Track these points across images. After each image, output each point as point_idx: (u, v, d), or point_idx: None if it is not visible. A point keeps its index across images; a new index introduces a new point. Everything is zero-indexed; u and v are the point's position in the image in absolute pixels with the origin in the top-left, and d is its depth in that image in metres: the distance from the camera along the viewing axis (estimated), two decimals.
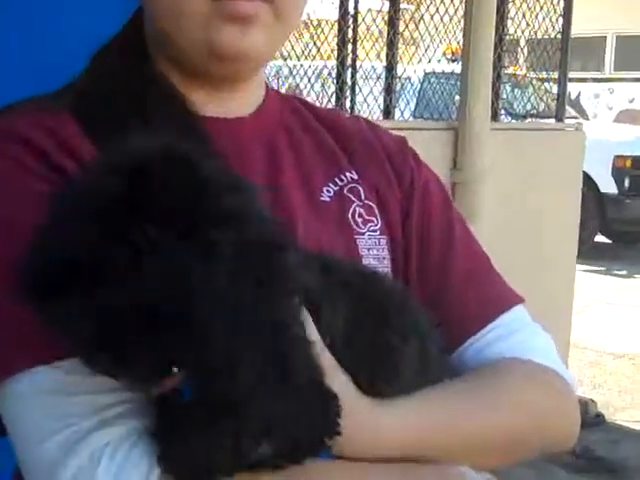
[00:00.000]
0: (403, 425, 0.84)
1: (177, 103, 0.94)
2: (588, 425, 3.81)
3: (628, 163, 8.34)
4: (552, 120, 4.62)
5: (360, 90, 5.14)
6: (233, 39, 0.90)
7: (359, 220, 1.01)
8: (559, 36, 4.58)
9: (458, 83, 5.77)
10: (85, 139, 0.87)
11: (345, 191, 1.02)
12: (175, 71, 0.96)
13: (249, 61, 0.94)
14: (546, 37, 4.70)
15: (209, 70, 0.94)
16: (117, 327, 0.64)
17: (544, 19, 4.56)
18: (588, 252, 7.22)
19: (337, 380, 0.78)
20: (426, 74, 6.25)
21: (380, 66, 5.15)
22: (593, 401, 4.21)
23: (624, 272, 7.91)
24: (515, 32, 4.58)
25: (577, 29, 4.67)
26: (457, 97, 6.00)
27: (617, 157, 8.31)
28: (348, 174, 1.04)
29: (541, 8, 4.57)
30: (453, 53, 5.90)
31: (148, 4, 0.96)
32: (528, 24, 4.51)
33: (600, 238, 8.66)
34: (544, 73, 4.90)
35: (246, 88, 1.00)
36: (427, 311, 0.92)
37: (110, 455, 0.75)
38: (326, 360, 0.78)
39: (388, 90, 5.07)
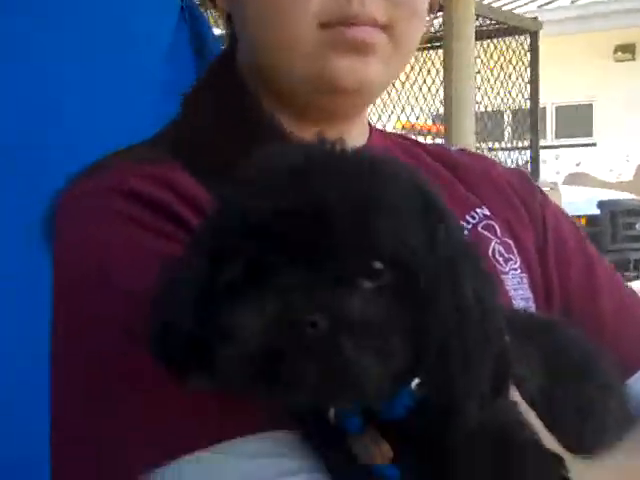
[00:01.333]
0: None
1: (287, 143, 0.84)
2: None
3: (583, 221, 8.76)
4: None
5: None
6: (350, 70, 0.82)
7: (500, 259, 0.94)
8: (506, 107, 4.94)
9: None
10: (201, 188, 0.79)
11: (480, 228, 0.95)
12: (282, 107, 0.87)
13: (366, 94, 0.87)
14: (499, 109, 5.05)
15: (319, 104, 0.86)
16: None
17: (510, 90, 4.92)
18: None
19: (549, 442, 0.70)
20: None
21: None
22: None
23: None
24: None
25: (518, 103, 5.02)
26: None
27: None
28: (479, 210, 0.96)
29: (509, 77, 4.93)
30: (404, 127, 6.17)
31: (249, 36, 0.88)
32: (499, 94, 4.83)
33: None
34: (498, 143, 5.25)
35: (355, 122, 0.92)
36: (605, 351, 0.85)
37: None
38: (532, 421, 0.70)
39: None
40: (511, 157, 5.55)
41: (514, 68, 4.84)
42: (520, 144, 5.48)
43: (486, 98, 4.89)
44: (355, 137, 0.90)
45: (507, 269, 0.93)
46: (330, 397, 0.57)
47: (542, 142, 12.95)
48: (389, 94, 4.99)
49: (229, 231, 0.60)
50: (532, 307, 0.92)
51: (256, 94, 0.87)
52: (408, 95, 4.75)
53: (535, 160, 4.97)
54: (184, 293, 0.61)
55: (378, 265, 0.57)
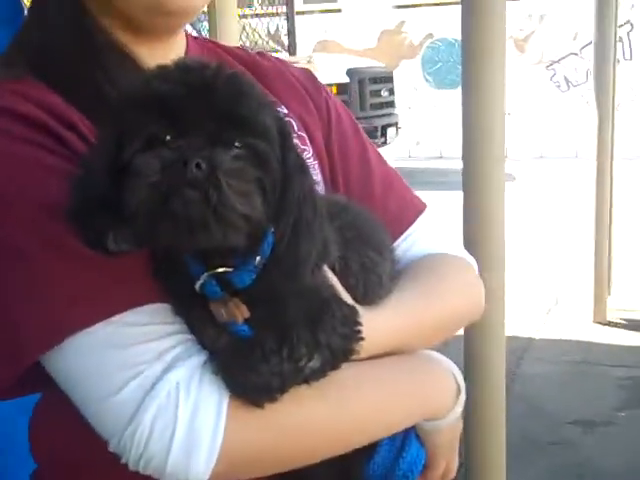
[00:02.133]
0: (389, 325, 0.99)
1: (127, 59, 1.00)
2: None
3: (334, 90, 8.97)
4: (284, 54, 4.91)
5: None
6: None
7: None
8: None
9: None
10: (67, 105, 0.92)
11: None
12: (118, 26, 1.01)
13: (191, 14, 1.03)
14: None
15: (153, 24, 1.01)
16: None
17: None
18: None
19: (345, 296, 0.93)
20: None
21: None
22: None
23: None
24: None
25: None
26: None
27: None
28: (279, 109, 1.11)
29: None
30: None
31: None
32: None
33: None
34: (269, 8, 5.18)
35: (178, 37, 1.10)
36: (382, 224, 1.07)
37: (185, 392, 0.84)
38: (334, 282, 0.93)
39: None
40: (263, 24, 5.48)
41: None
42: (271, 10, 5.41)
43: None
44: (178, 47, 1.09)
45: None
46: (205, 227, 0.74)
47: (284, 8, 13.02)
48: None
49: (132, 115, 0.78)
50: (322, 188, 1.11)
51: (93, 11, 1.00)
52: None
53: (292, 32, 4.93)
54: (96, 169, 0.79)
55: (246, 140, 0.78)
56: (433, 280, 1.11)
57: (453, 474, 1.14)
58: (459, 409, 1.08)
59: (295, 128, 1.13)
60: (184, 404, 0.83)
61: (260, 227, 0.79)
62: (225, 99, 0.77)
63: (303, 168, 0.85)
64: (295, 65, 1.27)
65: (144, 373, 0.84)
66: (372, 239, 1.02)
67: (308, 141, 1.14)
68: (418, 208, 1.21)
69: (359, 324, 0.89)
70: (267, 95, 0.87)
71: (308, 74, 1.23)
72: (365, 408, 0.95)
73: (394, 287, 1.04)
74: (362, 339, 0.89)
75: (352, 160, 1.18)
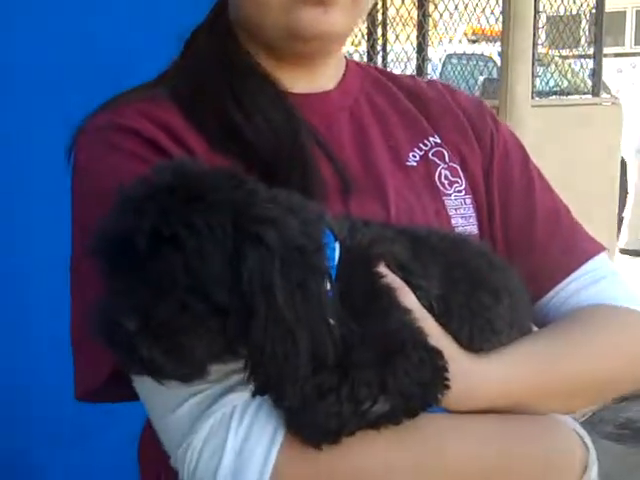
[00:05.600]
0: (504, 376, 0.88)
1: (266, 83, 1.00)
2: (630, 397, 3.80)
3: None
4: (587, 96, 4.61)
5: None
6: (313, 21, 0.95)
7: (445, 182, 1.06)
8: (584, 12, 4.59)
9: (479, 63, 5.82)
10: (189, 127, 0.94)
11: (430, 155, 1.07)
12: (262, 52, 1.01)
13: (329, 40, 1.00)
14: (568, 14, 4.70)
15: (293, 50, 1.00)
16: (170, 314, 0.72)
17: None
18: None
19: (441, 340, 0.84)
20: (448, 56, 6.26)
21: (409, 49, 5.17)
22: None
23: None
24: (543, 9, 4.56)
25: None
26: (480, 77, 6.02)
27: None
28: (432, 138, 1.08)
29: None
30: (475, 33, 5.87)
31: None
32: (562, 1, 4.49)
33: None
34: (574, 49, 4.90)
35: (328, 63, 1.05)
36: (513, 267, 0.97)
37: (239, 418, 0.80)
38: (428, 323, 0.83)
39: (419, 72, 5.08)
40: (582, 64, 5.19)
41: None
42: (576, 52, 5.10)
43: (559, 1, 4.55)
44: (330, 74, 1.06)
45: (450, 191, 1.05)
46: (153, 373, 0.75)
47: (620, 49, 12.32)
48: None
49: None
50: (473, 224, 1.05)
51: (241, 40, 1.02)
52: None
53: (597, 73, 4.59)
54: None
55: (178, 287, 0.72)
56: (584, 332, 0.98)
57: None
58: (592, 475, 0.91)
59: (446, 158, 1.07)
60: (235, 430, 0.80)
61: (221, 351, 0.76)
62: (154, 247, 0.73)
63: (273, 284, 0.73)
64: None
65: (205, 392, 0.82)
66: (488, 281, 0.92)
67: (461, 172, 1.08)
68: (588, 252, 1.07)
69: (444, 370, 0.81)
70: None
71: (477, 105, 1.16)
72: (447, 468, 0.84)
73: (520, 337, 0.93)
74: (447, 387, 0.81)
75: (514, 194, 1.09)
